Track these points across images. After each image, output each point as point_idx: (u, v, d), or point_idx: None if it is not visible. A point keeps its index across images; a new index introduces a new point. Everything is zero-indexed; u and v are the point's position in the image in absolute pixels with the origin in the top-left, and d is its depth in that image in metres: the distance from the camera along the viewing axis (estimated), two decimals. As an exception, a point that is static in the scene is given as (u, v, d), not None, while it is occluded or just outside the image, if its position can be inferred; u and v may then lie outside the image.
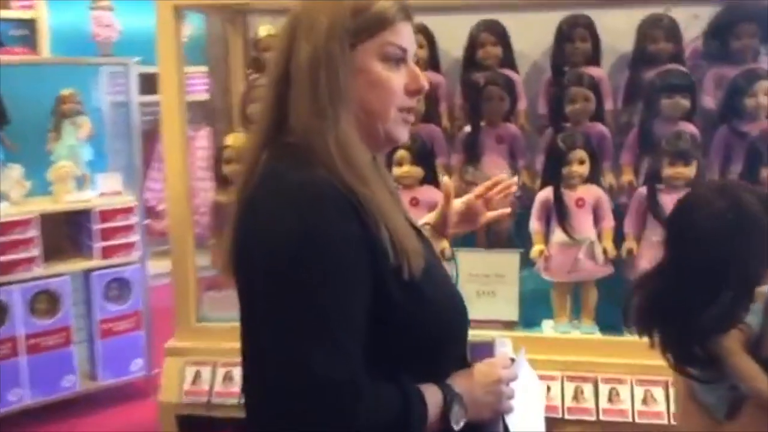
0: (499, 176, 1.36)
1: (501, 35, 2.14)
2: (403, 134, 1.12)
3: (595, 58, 2.13)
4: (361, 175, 1.03)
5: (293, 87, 1.07)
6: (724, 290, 0.90)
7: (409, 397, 1.00)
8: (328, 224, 0.98)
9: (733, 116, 1.98)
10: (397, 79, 1.09)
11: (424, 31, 2.16)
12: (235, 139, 2.08)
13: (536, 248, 1.94)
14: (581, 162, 1.90)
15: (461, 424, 1.03)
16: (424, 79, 1.12)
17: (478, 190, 1.34)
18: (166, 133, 1.95)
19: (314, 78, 1.06)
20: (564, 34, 2.12)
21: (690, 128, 1.97)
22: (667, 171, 1.85)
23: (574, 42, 2.11)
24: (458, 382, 1.08)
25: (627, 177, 2.05)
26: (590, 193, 1.92)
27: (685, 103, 1.96)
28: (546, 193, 1.95)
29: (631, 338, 1.94)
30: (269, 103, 1.10)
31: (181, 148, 1.96)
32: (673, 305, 0.94)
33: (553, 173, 1.93)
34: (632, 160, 2.06)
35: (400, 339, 1.02)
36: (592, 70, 2.09)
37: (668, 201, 1.87)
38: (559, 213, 1.91)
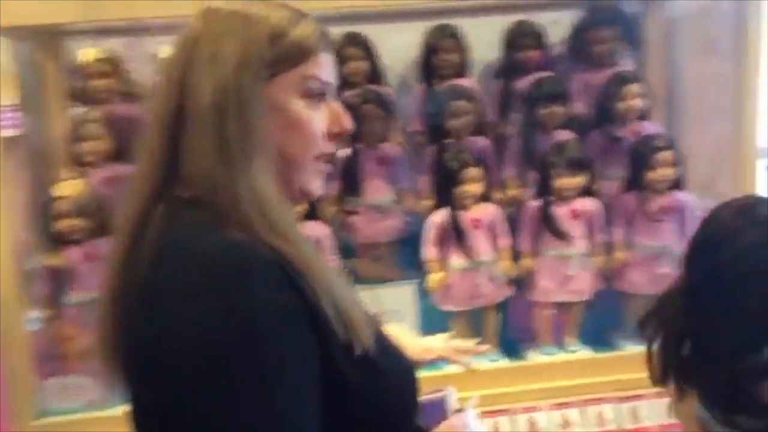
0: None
1: (367, 49, 1.97)
2: (318, 188, 0.94)
3: (463, 69, 2.03)
4: (285, 234, 0.84)
5: (191, 129, 0.87)
6: None
7: None
8: (260, 301, 0.79)
9: (606, 121, 1.97)
10: (319, 119, 0.91)
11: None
12: (71, 188, 1.71)
13: (436, 277, 1.79)
14: (474, 180, 1.77)
15: None
16: (349, 119, 0.93)
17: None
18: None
19: (221, 118, 0.86)
20: (431, 46, 2.00)
21: (568, 136, 1.93)
22: (558, 182, 1.79)
23: (443, 53, 1.99)
24: None
25: (513, 191, 1.96)
26: (486, 212, 1.81)
27: (562, 111, 1.92)
28: (439, 217, 1.80)
29: (539, 361, 1.87)
30: (157, 148, 0.89)
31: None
32: (718, 354, 0.81)
33: (446, 194, 1.79)
34: (516, 173, 1.97)
35: (354, 420, 0.87)
36: (464, 82, 1.99)
37: (561, 213, 1.81)
38: (457, 236, 1.77)
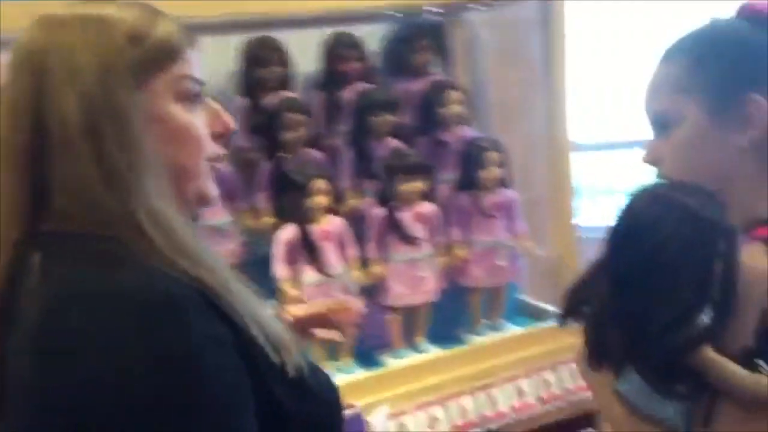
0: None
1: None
2: (213, 189, 0.89)
3: (287, 82, 1.99)
4: (197, 257, 0.79)
5: (60, 155, 0.78)
6: (706, 305, 0.86)
7: None
8: (196, 336, 0.73)
9: (431, 127, 2.05)
10: (200, 122, 0.86)
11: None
12: None
13: (290, 295, 1.73)
14: (322, 192, 1.74)
15: None
16: (230, 117, 0.90)
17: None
18: None
19: (95, 136, 0.77)
20: (254, 59, 1.94)
21: (397, 143, 1.98)
22: (403, 187, 1.83)
23: (266, 66, 1.94)
24: None
25: (352, 201, 1.96)
26: (333, 223, 1.79)
27: (393, 119, 1.96)
28: (288, 233, 1.74)
29: (396, 366, 1.88)
30: (15, 187, 0.80)
31: None
32: (651, 332, 0.87)
33: (292, 209, 1.74)
34: (351, 184, 1.98)
35: None
36: (288, 95, 1.95)
37: (407, 218, 1.85)
38: (308, 251, 1.73)
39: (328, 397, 0.92)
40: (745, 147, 0.94)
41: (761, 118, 0.93)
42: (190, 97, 0.83)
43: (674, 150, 1.00)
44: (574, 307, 0.99)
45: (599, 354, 0.95)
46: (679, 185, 0.93)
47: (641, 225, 0.89)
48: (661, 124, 1.02)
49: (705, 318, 0.85)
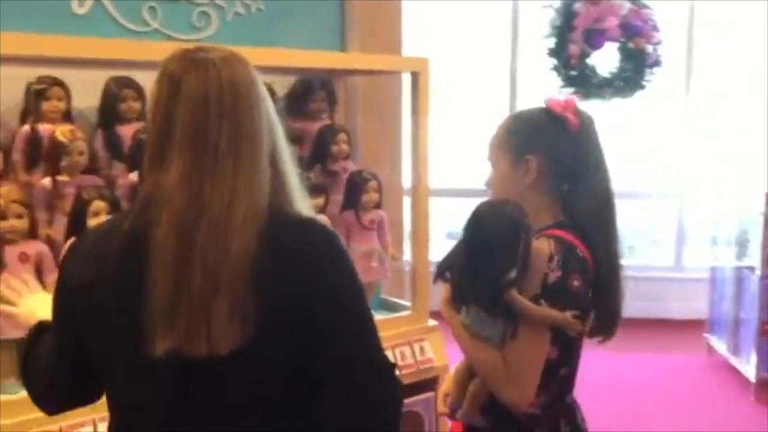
0: None
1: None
2: None
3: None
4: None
5: (285, 159, 1.29)
6: (513, 268, 1.53)
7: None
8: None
9: (324, 159, 2.66)
10: None
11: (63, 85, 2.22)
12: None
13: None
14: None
15: None
16: None
17: None
18: None
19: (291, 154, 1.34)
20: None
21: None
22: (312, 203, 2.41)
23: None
24: None
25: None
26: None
27: (297, 151, 2.55)
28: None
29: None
30: (267, 173, 1.23)
31: None
32: (485, 279, 1.53)
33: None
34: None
35: None
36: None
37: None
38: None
39: None
40: (527, 185, 1.64)
41: (533, 170, 1.64)
42: None
43: (495, 182, 1.70)
44: (442, 272, 1.64)
45: (458, 299, 1.61)
46: (504, 201, 1.61)
47: (482, 223, 1.57)
48: (492, 164, 1.71)
49: (513, 274, 1.53)
